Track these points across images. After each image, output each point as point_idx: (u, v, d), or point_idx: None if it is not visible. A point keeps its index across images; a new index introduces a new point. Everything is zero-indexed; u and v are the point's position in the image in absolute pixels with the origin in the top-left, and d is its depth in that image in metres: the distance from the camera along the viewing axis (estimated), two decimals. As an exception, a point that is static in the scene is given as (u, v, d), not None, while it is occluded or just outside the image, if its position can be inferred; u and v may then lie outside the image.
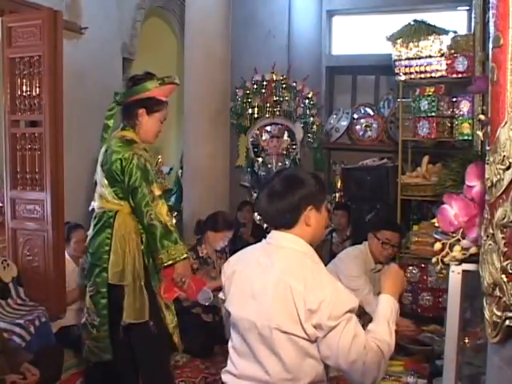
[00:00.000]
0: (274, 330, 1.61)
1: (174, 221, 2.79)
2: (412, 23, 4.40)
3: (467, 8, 5.39)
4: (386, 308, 1.71)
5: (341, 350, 1.55)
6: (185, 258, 2.64)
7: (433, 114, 4.16)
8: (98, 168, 2.75)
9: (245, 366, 1.70)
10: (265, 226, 5.40)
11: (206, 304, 3.38)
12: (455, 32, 4.30)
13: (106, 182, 2.70)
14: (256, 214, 5.38)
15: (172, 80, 2.81)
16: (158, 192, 2.64)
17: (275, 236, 1.73)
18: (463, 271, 1.60)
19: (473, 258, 1.49)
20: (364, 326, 1.66)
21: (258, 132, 6.16)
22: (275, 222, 1.72)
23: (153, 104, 2.73)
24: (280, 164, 5.97)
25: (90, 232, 2.82)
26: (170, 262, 2.61)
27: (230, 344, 1.81)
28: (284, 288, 1.59)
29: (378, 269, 3.34)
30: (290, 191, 1.67)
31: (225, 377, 1.78)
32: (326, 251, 4.63)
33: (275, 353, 1.62)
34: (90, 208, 2.86)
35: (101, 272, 2.71)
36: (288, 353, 1.60)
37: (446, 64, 4.15)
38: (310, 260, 1.67)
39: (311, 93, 6.05)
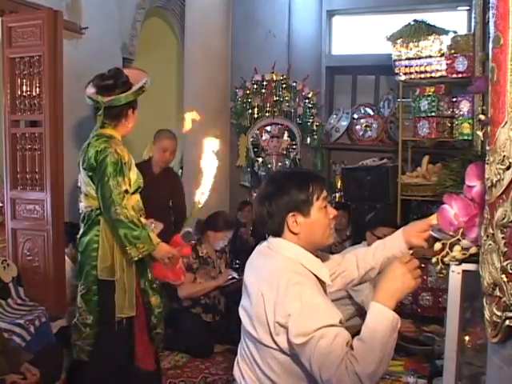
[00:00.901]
0: (254, 340, 1.60)
1: (142, 218, 2.79)
2: (412, 23, 4.40)
3: (467, 8, 5.39)
4: (373, 322, 1.42)
5: (314, 367, 1.43)
6: (154, 249, 2.69)
7: (433, 113, 4.16)
8: (81, 168, 2.81)
9: (246, 369, 1.70)
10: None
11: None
12: (455, 32, 4.30)
13: (88, 179, 2.75)
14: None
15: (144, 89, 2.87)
16: (125, 187, 2.68)
17: (272, 241, 1.69)
18: (463, 271, 1.59)
19: (473, 258, 1.49)
20: None
21: (258, 132, 6.17)
22: (263, 228, 1.69)
23: (135, 103, 2.87)
24: (280, 164, 5.97)
25: (80, 232, 2.85)
26: (139, 256, 2.67)
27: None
28: (260, 297, 1.56)
29: None
30: (269, 198, 1.64)
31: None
32: (326, 251, 4.62)
33: (260, 364, 1.60)
34: (80, 210, 2.89)
35: (91, 270, 2.74)
36: (269, 368, 1.58)
37: (446, 64, 4.15)
38: (295, 271, 1.58)
39: (311, 93, 6.05)
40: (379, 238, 3.21)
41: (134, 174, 2.81)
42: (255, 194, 1.76)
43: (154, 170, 3.92)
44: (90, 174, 2.72)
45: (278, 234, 1.66)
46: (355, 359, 1.37)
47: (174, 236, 2.97)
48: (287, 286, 1.52)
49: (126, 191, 2.69)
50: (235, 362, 1.77)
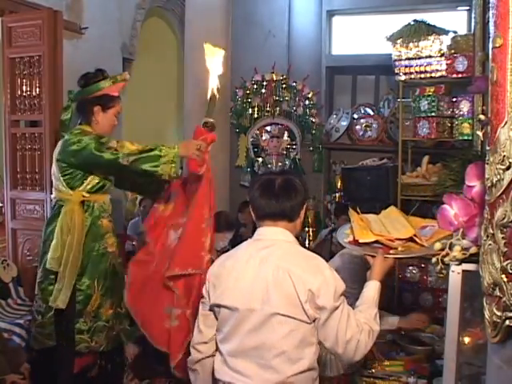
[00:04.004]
0: (276, 316, 1.69)
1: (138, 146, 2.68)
2: (412, 23, 4.39)
3: (467, 8, 5.38)
4: (375, 293, 1.86)
5: (340, 329, 1.69)
6: (178, 152, 2.58)
7: (433, 114, 4.15)
8: (54, 161, 2.79)
9: (238, 363, 1.75)
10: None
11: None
12: (455, 32, 4.29)
13: (58, 173, 2.74)
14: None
15: (124, 77, 2.89)
16: (114, 144, 2.62)
17: (265, 232, 1.83)
18: (463, 271, 1.60)
19: (473, 258, 1.49)
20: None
21: (258, 132, 6.16)
22: (282, 215, 1.81)
23: (107, 101, 2.80)
24: (280, 164, 5.97)
25: (45, 222, 2.88)
26: (173, 168, 2.55)
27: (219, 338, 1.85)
28: (283, 273, 1.70)
29: None
30: (297, 191, 1.82)
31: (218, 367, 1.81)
32: (326, 251, 4.63)
33: (271, 341, 1.69)
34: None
35: None
36: (287, 340, 1.69)
37: (446, 64, 4.14)
38: (300, 248, 1.84)
39: (311, 93, 6.05)
40: None
41: None
42: (263, 189, 1.83)
43: None
44: (63, 167, 2.71)
45: (293, 219, 1.83)
46: (368, 319, 1.76)
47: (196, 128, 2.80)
48: (306, 258, 1.77)
49: (116, 143, 2.64)
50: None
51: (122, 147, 2.60)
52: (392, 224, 1.98)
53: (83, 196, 2.73)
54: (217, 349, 1.84)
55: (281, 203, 1.79)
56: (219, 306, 1.80)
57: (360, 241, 1.92)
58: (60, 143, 2.79)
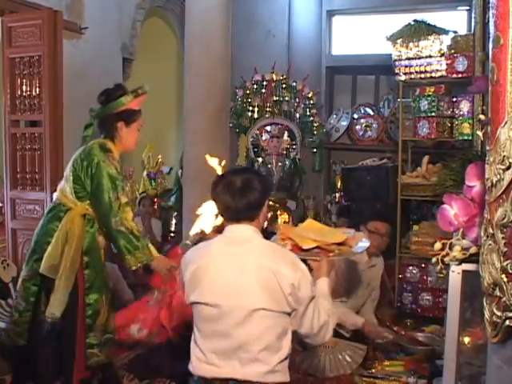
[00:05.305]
0: (260, 310, 1.76)
1: (140, 229, 2.88)
2: (412, 23, 4.39)
3: (467, 8, 5.39)
4: (329, 287, 2.02)
5: (314, 317, 1.83)
6: (152, 260, 2.71)
7: (433, 114, 4.15)
8: (70, 163, 2.78)
9: (221, 360, 1.79)
10: (265, 225, 5.40)
11: None
12: (455, 32, 4.29)
13: (70, 177, 2.72)
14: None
15: (145, 90, 2.88)
16: (124, 199, 2.71)
17: (238, 229, 1.88)
18: (463, 271, 1.60)
19: (473, 258, 1.50)
20: None
21: (258, 132, 6.16)
22: (240, 215, 1.87)
23: (129, 115, 2.81)
24: (280, 164, 5.97)
25: (41, 222, 2.84)
26: (138, 265, 2.70)
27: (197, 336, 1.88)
28: (265, 271, 1.78)
29: (373, 264, 3.39)
30: (256, 189, 1.86)
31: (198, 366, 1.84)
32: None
33: (257, 335, 1.77)
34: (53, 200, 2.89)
35: (39, 260, 2.70)
36: (270, 333, 1.77)
37: (446, 64, 4.14)
38: (272, 244, 1.96)
39: (311, 93, 6.04)
40: (372, 232, 3.22)
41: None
42: (223, 188, 1.88)
43: None
44: (76, 176, 2.70)
45: (253, 219, 1.89)
46: (328, 307, 1.92)
47: (174, 247, 2.98)
48: (283, 254, 1.88)
49: (127, 203, 2.72)
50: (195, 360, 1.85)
51: (124, 212, 2.67)
52: (321, 233, 2.24)
53: (87, 209, 2.71)
54: (194, 346, 1.87)
55: (235, 203, 1.84)
56: (199, 303, 1.84)
57: (304, 247, 2.13)
58: (80, 150, 2.76)
